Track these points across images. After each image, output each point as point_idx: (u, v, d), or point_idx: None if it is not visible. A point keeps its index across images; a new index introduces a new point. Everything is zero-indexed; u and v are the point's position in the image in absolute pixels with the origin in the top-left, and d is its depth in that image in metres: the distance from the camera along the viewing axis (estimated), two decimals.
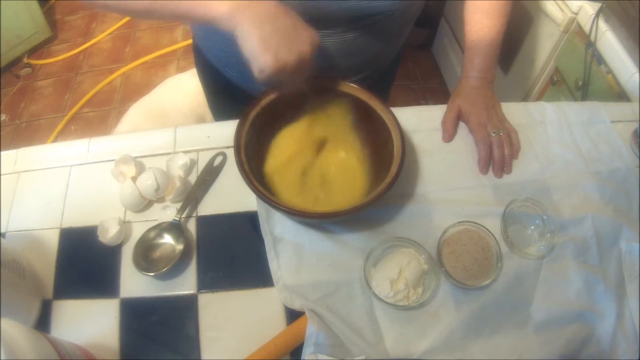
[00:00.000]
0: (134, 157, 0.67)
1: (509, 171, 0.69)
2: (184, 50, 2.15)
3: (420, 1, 0.66)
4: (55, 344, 0.44)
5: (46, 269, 0.60)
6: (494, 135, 0.70)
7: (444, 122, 0.73)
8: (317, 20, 0.62)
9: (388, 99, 0.97)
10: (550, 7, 1.13)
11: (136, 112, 1.36)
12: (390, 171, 0.59)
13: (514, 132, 0.72)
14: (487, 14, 0.76)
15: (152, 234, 0.61)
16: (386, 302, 0.55)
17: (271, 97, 0.63)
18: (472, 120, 0.72)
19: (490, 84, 0.76)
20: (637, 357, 0.55)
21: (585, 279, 0.59)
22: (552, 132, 0.73)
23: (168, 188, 0.65)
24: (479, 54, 0.76)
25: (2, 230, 0.63)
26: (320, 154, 0.67)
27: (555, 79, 1.16)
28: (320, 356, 0.50)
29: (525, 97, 1.34)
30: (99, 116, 1.96)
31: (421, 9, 0.69)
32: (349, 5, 0.59)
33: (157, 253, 0.60)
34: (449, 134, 0.72)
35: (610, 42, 0.95)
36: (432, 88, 1.98)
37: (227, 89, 0.80)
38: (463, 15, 0.80)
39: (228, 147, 0.69)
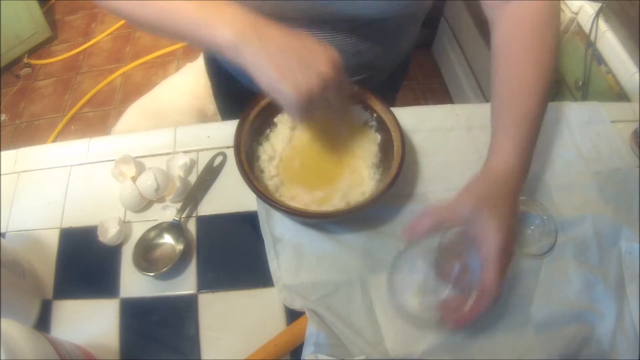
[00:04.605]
0: (134, 157, 0.67)
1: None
2: (184, 50, 2.15)
3: (417, 3, 0.62)
4: (55, 344, 0.44)
5: (46, 269, 0.60)
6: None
7: (424, 219, 0.51)
8: (315, 21, 0.62)
9: (393, 105, 0.96)
10: None
11: (133, 112, 1.37)
12: (390, 171, 0.59)
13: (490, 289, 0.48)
14: (530, 52, 0.55)
15: (152, 234, 0.61)
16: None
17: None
18: (493, 250, 0.48)
19: (521, 178, 0.53)
20: (637, 357, 0.55)
21: (585, 279, 0.59)
22: (552, 132, 0.73)
23: (168, 188, 0.65)
24: (518, 120, 0.54)
25: (2, 230, 0.63)
26: (320, 154, 0.67)
27: (555, 78, 1.16)
28: (320, 356, 0.50)
29: None
30: (99, 116, 1.96)
31: (421, 14, 0.68)
32: (340, 7, 0.59)
33: (157, 253, 0.60)
34: (416, 236, 0.51)
35: (610, 42, 0.95)
36: (432, 88, 1.98)
37: (237, 90, 0.79)
38: (493, 49, 0.59)
39: (228, 147, 0.69)
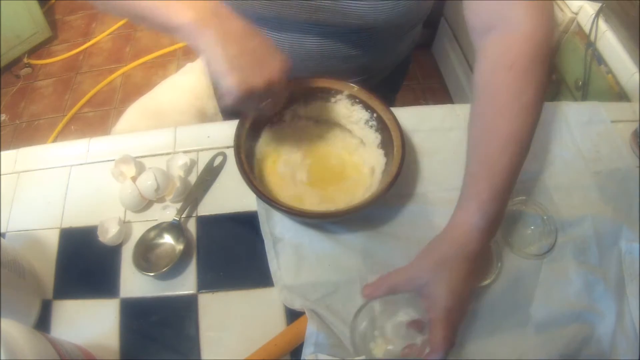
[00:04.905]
0: (134, 157, 0.67)
1: None
2: (184, 50, 2.15)
3: (415, 4, 0.62)
4: (55, 344, 0.44)
5: (46, 269, 0.60)
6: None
7: (381, 284, 0.52)
8: (303, 26, 0.62)
9: (393, 105, 0.96)
10: None
11: (133, 112, 1.36)
12: (390, 171, 0.59)
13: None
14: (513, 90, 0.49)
15: (152, 234, 0.61)
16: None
17: None
18: (440, 318, 0.47)
19: (491, 236, 0.51)
20: (637, 357, 0.55)
21: (585, 279, 0.59)
22: (551, 132, 0.73)
23: (168, 188, 0.65)
24: (489, 171, 0.50)
25: (2, 230, 0.63)
26: (320, 154, 0.67)
27: (555, 78, 1.16)
28: (320, 356, 0.50)
29: None
30: (99, 116, 1.96)
31: (416, 22, 0.68)
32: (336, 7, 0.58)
33: (157, 253, 0.60)
34: (372, 296, 0.52)
35: (610, 42, 0.95)
36: (432, 88, 1.98)
37: None
38: (473, 83, 0.54)
39: (228, 147, 0.69)
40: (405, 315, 0.53)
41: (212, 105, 1.39)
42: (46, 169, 0.69)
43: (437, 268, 0.49)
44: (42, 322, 0.56)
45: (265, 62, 0.48)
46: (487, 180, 0.50)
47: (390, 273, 0.52)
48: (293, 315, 0.56)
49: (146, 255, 0.60)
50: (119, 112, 1.73)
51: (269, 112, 0.57)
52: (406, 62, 0.86)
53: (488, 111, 0.51)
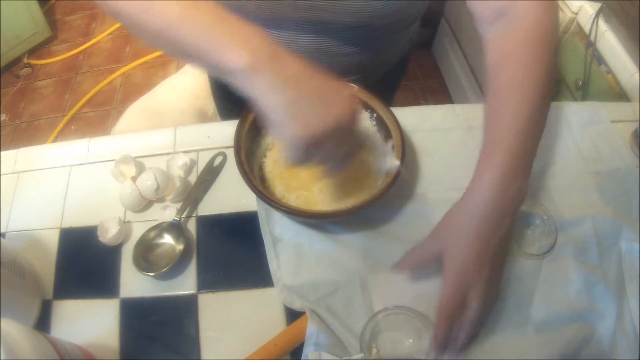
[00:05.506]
0: (134, 157, 0.67)
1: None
2: None
3: (414, 3, 0.61)
4: (55, 344, 0.44)
5: (46, 269, 0.60)
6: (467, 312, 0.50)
7: (408, 260, 0.53)
8: (299, 23, 0.62)
9: (391, 104, 0.96)
10: None
11: (133, 112, 1.36)
12: (390, 171, 0.59)
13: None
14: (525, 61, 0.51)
15: (152, 234, 0.61)
16: None
17: None
18: (448, 279, 0.49)
19: (512, 206, 0.50)
20: (637, 357, 0.55)
21: (585, 279, 0.59)
22: (552, 132, 0.73)
23: (168, 188, 0.65)
24: (510, 135, 0.50)
25: (2, 230, 0.63)
26: None
27: (555, 78, 1.16)
28: (323, 355, 0.50)
29: None
30: (99, 116, 1.96)
31: (413, 17, 0.68)
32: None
33: (157, 253, 0.60)
34: (406, 269, 0.52)
35: (610, 42, 0.95)
36: (432, 88, 1.98)
37: (237, 91, 0.79)
38: (485, 58, 0.56)
39: (228, 147, 0.69)
40: (405, 336, 0.54)
41: (212, 106, 1.39)
42: (46, 169, 0.69)
43: (454, 232, 0.49)
44: (42, 322, 0.56)
45: (330, 102, 0.43)
46: (502, 145, 0.49)
47: (414, 247, 0.52)
48: (293, 315, 0.56)
49: (146, 255, 0.60)
50: (119, 112, 1.73)
51: (348, 159, 0.51)
52: (404, 60, 0.86)
53: (502, 82, 0.52)
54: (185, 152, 0.69)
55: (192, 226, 0.63)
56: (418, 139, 0.71)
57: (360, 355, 0.52)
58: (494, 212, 0.49)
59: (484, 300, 0.49)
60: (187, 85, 1.42)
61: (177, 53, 0.47)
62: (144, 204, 0.64)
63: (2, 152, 0.71)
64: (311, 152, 0.44)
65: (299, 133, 0.41)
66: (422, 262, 0.52)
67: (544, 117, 0.52)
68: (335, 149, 0.45)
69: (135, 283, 0.59)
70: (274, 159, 0.65)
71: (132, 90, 2.02)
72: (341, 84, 0.46)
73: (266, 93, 0.41)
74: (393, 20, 0.63)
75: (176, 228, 0.61)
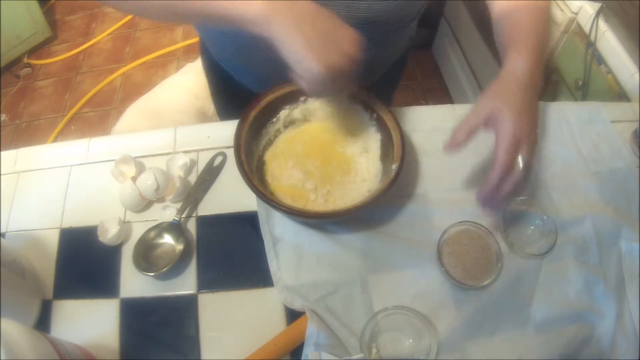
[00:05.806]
0: (134, 157, 0.67)
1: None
2: (184, 50, 2.15)
3: (413, 3, 0.62)
4: (55, 344, 0.44)
5: (46, 269, 0.60)
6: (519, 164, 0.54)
7: (460, 129, 0.55)
8: None
9: (390, 103, 0.96)
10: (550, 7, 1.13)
11: (133, 112, 1.36)
12: (390, 171, 0.59)
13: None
14: None
15: (152, 234, 0.61)
16: None
17: (271, 97, 0.63)
18: (505, 130, 0.52)
19: (538, 86, 0.57)
20: (637, 357, 0.55)
21: (585, 279, 0.59)
22: (552, 132, 0.73)
23: (168, 188, 0.65)
24: (528, 33, 0.59)
25: (2, 230, 0.63)
26: (320, 153, 0.67)
27: (555, 78, 1.16)
28: (323, 355, 0.50)
29: None
30: (99, 116, 1.96)
31: (414, 15, 0.68)
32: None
33: (157, 253, 0.60)
34: (456, 145, 0.55)
35: (610, 42, 0.95)
36: (432, 88, 1.98)
37: (235, 91, 0.79)
38: None
39: (228, 147, 0.69)
40: (405, 336, 0.55)
41: (212, 106, 1.39)
42: (46, 169, 0.69)
43: (498, 98, 0.55)
44: (42, 322, 0.56)
45: (340, 38, 0.48)
46: (527, 44, 0.57)
47: (462, 120, 0.56)
48: (293, 315, 0.56)
49: (146, 255, 0.60)
50: (119, 112, 1.73)
51: (346, 91, 0.57)
52: (403, 59, 0.86)
53: (514, 16, 0.61)
54: (185, 152, 0.69)
55: (192, 226, 0.63)
56: (418, 139, 0.71)
57: (360, 355, 0.52)
58: (531, 84, 0.56)
59: (530, 160, 0.54)
60: (187, 85, 1.42)
61: (185, 17, 0.51)
62: (144, 204, 0.64)
63: (2, 152, 0.71)
64: (328, 84, 0.48)
65: (315, 65, 0.46)
66: (475, 126, 0.55)
67: (548, 42, 0.63)
68: (342, 79, 0.50)
69: (135, 283, 0.59)
70: (274, 158, 0.65)
71: (132, 90, 2.02)
72: (345, 24, 0.49)
73: (285, 35, 0.46)
74: (391, 19, 0.63)
75: (176, 228, 0.61)
